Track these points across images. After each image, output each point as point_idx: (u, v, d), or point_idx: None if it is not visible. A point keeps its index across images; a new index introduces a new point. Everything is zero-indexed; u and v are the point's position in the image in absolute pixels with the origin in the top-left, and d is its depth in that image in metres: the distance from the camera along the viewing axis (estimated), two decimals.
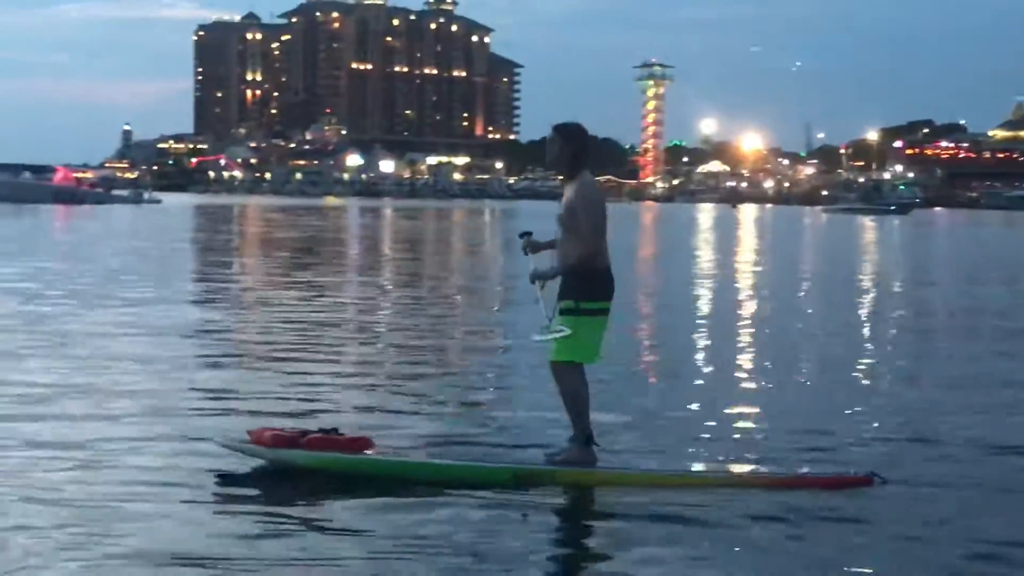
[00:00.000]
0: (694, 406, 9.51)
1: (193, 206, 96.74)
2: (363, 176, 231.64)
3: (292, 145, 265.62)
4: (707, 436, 8.28)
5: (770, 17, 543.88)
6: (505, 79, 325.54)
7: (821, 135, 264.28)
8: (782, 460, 7.44)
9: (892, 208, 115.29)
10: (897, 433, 8.52)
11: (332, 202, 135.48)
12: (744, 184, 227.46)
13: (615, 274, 6.97)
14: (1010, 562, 5.73)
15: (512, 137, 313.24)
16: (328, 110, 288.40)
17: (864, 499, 6.64)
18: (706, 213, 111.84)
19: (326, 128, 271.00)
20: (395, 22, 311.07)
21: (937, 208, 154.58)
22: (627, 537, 5.94)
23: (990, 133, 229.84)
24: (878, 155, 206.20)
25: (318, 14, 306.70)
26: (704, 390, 10.44)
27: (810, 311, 18.85)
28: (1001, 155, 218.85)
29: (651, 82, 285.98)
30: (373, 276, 25.09)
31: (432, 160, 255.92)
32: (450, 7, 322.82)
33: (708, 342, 14.31)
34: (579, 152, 7.00)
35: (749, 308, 18.78)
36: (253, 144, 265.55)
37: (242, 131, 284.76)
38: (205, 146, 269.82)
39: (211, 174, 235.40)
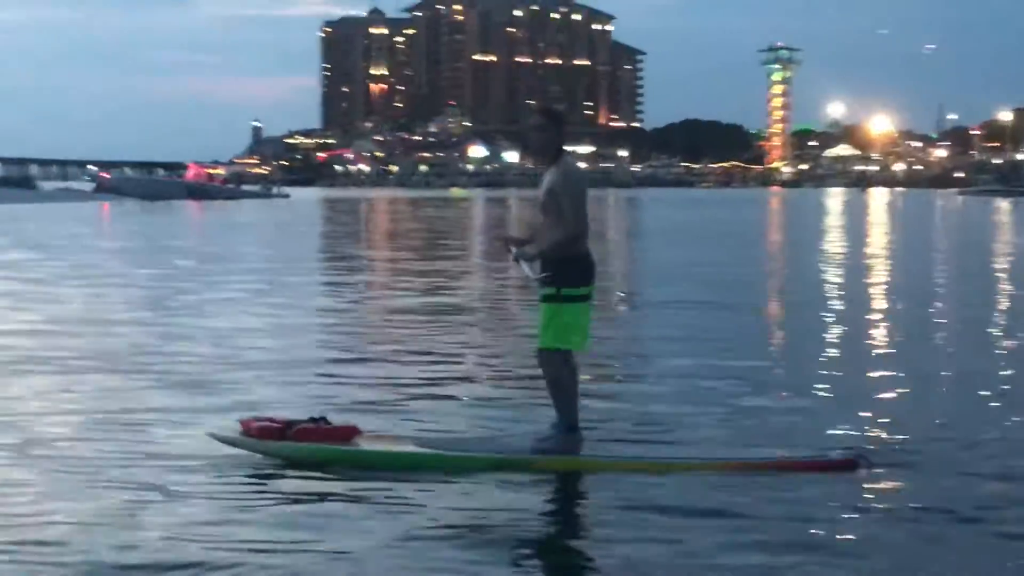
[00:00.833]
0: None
1: (322, 199, 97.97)
2: (487, 167, 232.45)
3: (417, 138, 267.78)
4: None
5: None
6: (628, 66, 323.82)
7: (953, 116, 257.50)
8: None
9: None
10: None
11: (457, 193, 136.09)
12: (874, 167, 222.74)
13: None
14: None
15: (636, 125, 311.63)
16: (451, 102, 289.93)
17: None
18: (835, 198, 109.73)
19: (450, 120, 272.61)
20: (517, 12, 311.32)
21: None
22: (606, 523, 5.92)
23: None
24: (1012, 135, 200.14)
25: (441, 7, 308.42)
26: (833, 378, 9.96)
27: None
28: None
29: (777, 65, 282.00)
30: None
31: None
32: None
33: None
34: (561, 137, 7.02)
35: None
36: (379, 138, 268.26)
37: (368, 125, 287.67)
38: (332, 141, 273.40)
39: (338, 168, 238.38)
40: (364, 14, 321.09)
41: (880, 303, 17.14)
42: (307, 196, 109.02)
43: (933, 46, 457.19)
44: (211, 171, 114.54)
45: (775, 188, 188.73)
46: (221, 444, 7.11)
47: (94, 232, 40.90)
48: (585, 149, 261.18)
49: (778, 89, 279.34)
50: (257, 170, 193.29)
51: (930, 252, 30.10)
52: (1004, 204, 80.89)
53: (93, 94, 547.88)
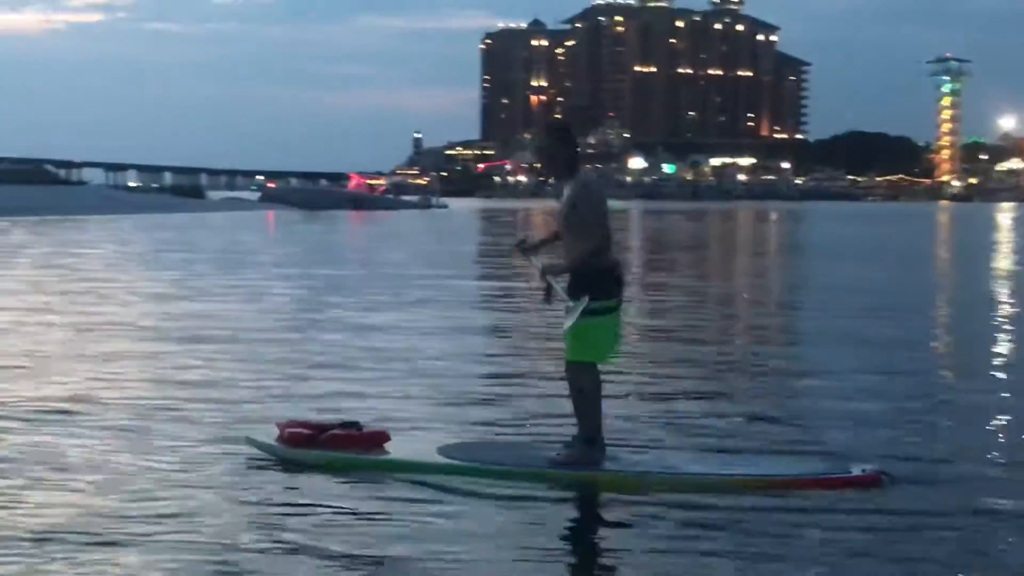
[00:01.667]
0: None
1: (479, 210, 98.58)
2: (645, 179, 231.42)
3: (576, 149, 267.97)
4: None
5: None
6: (792, 77, 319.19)
7: None
8: None
9: None
10: None
11: (615, 205, 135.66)
12: None
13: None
14: None
15: (799, 137, 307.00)
16: (611, 114, 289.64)
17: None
18: (1008, 213, 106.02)
19: (609, 132, 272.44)
20: (679, 23, 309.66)
21: None
22: (621, 537, 5.87)
23: None
24: None
25: (602, 18, 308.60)
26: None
27: None
28: None
29: (946, 77, 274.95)
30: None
31: (716, 162, 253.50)
32: (736, 6, 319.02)
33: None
34: (575, 152, 7.04)
35: None
36: None
37: (527, 136, 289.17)
38: (491, 152, 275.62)
39: (497, 179, 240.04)
40: (524, 26, 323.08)
41: None
42: (465, 207, 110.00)
43: None
44: (372, 182, 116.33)
45: (944, 202, 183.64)
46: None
47: (279, 239, 41.57)
48: (746, 161, 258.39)
49: (947, 101, 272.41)
50: (417, 181, 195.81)
51: None
52: None
53: (261, 105, 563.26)
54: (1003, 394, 10.17)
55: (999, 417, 9.03)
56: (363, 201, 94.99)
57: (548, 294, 6.95)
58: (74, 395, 9.41)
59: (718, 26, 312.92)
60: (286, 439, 7.17)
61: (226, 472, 6.99)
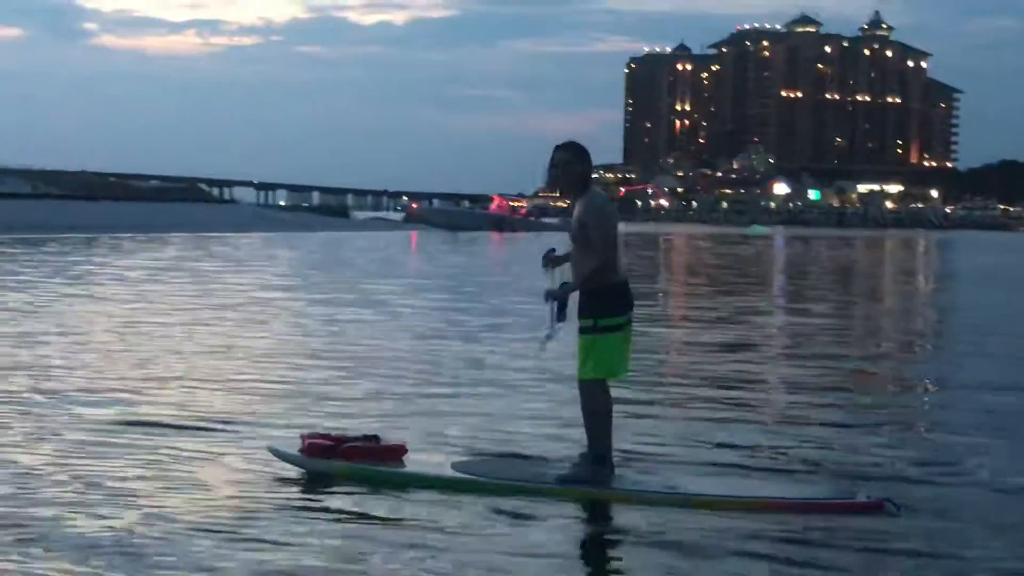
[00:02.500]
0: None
1: (620, 234, 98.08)
2: (790, 205, 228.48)
3: (719, 174, 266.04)
4: None
5: None
6: (943, 104, 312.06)
7: None
8: None
9: None
10: None
11: (758, 230, 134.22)
12: None
13: None
14: None
15: (950, 165, 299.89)
16: (756, 139, 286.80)
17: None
18: None
19: (753, 156, 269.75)
20: (827, 48, 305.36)
21: None
22: (623, 558, 5.85)
23: None
24: None
25: (748, 43, 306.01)
26: None
27: None
28: None
29: None
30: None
31: (862, 188, 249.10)
32: (886, 32, 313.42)
33: None
34: (589, 170, 7.09)
35: None
36: (680, 173, 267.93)
37: (670, 161, 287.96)
38: (633, 175, 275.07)
39: (638, 203, 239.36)
40: (669, 50, 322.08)
41: None
42: None
43: None
44: (514, 203, 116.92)
45: None
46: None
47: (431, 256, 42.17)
48: (893, 188, 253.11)
49: None
50: (558, 203, 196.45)
51: None
52: None
53: (407, 127, 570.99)
54: None
55: None
56: (504, 222, 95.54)
57: (555, 313, 7.03)
58: None
59: (867, 51, 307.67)
60: (306, 450, 7.33)
61: None
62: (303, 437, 7.52)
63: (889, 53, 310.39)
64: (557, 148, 7.13)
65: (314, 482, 7.14)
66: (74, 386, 10.47)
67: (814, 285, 32.17)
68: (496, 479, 7.03)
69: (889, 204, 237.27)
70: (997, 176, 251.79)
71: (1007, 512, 6.71)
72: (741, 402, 10.65)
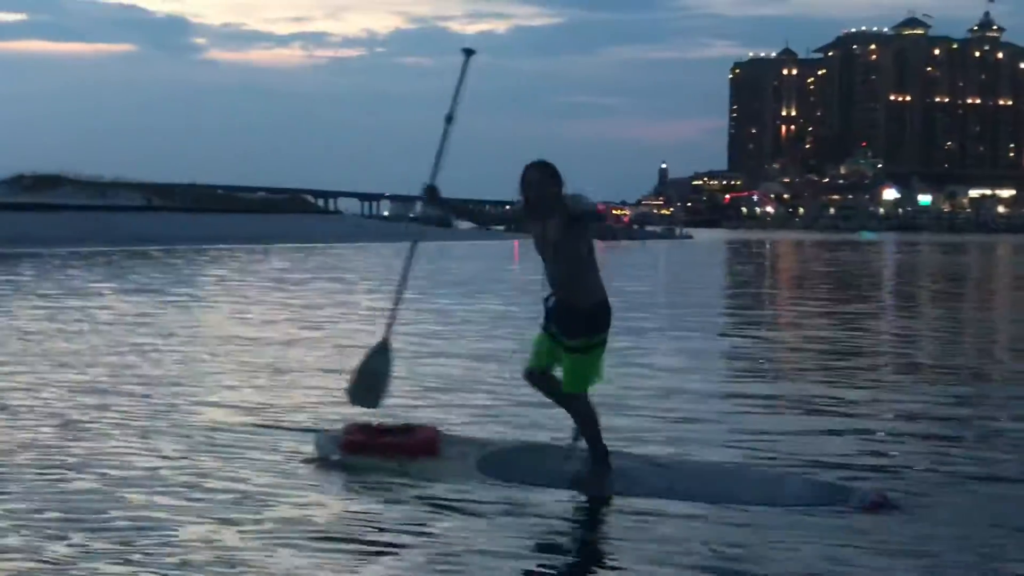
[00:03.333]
0: None
1: (726, 240, 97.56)
2: (899, 210, 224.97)
3: (826, 180, 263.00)
4: None
5: None
6: None
7: None
8: None
9: None
10: None
11: (866, 236, 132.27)
12: None
13: None
14: None
15: None
16: (864, 143, 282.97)
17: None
18: None
19: (861, 161, 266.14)
20: (936, 51, 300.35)
21: None
22: (621, 556, 5.81)
23: None
24: None
25: (855, 46, 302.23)
26: None
27: None
28: None
29: None
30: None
31: (974, 193, 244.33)
32: (996, 34, 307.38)
33: None
34: (560, 189, 7.10)
35: None
36: (786, 179, 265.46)
37: (776, 167, 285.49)
38: (738, 182, 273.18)
39: (744, 209, 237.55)
40: (774, 55, 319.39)
41: None
42: (710, 237, 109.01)
43: None
44: (617, 211, 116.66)
45: None
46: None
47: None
48: (1006, 192, 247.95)
49: None
50: (662, 211, 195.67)
51: None
52: None
53: (509, 137, 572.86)
54: None
55: None
56: (607, 231, 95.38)
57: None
58: None
59: (977, 53, 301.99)
60: (344, 445, 7.43)
61: None
62: (345, 430, 7.60)
63: (999, 55, 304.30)
64: (530, 167, 7.21)
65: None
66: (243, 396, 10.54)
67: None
68: (519, 483, 7.14)
69: (1002, 209, 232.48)
70: None
71: None
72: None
